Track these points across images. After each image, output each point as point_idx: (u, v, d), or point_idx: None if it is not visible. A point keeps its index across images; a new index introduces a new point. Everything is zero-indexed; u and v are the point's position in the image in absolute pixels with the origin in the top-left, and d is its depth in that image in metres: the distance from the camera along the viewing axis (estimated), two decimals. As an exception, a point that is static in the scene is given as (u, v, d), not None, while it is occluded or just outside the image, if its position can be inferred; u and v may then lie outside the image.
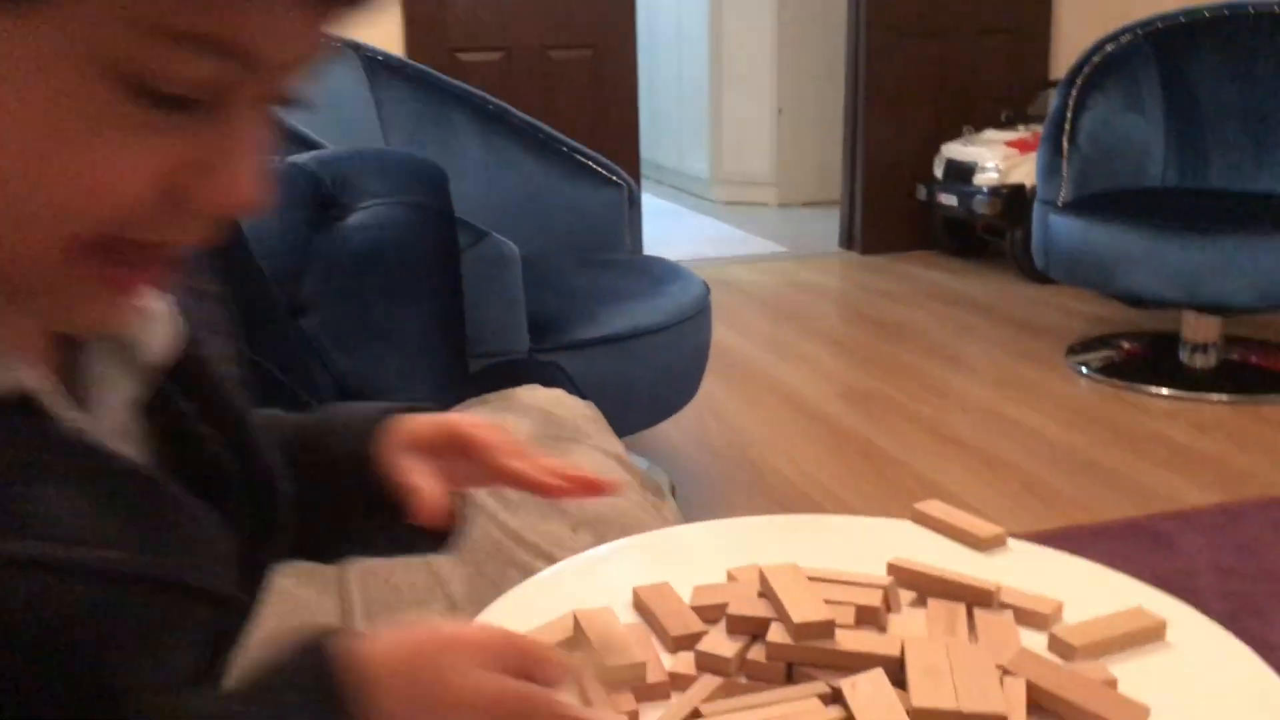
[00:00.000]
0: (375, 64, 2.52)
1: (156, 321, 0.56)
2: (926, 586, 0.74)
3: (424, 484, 0.67)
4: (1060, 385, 3.06)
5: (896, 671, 0.64)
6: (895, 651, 0.65)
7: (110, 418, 0.54)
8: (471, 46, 4.09)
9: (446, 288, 1.69)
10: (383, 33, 3.82)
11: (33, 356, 0.50)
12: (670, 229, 5.28)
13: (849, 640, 0.66)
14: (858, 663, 0.65)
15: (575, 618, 0.74)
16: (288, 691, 0.52)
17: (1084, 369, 3.15)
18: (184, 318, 0.58)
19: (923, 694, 0.60)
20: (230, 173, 0.45)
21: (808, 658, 0.66)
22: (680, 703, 0.66)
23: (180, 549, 0.53)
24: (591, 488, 0.71)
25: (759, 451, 2.65)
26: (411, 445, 0.70)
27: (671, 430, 2.67)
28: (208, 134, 0.44)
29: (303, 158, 1.63)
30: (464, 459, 0.71)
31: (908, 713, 0.60)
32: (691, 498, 2.34)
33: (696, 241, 5.07)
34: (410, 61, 2.61)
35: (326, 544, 0.75)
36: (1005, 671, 0.64)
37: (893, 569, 0.76)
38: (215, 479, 0.58)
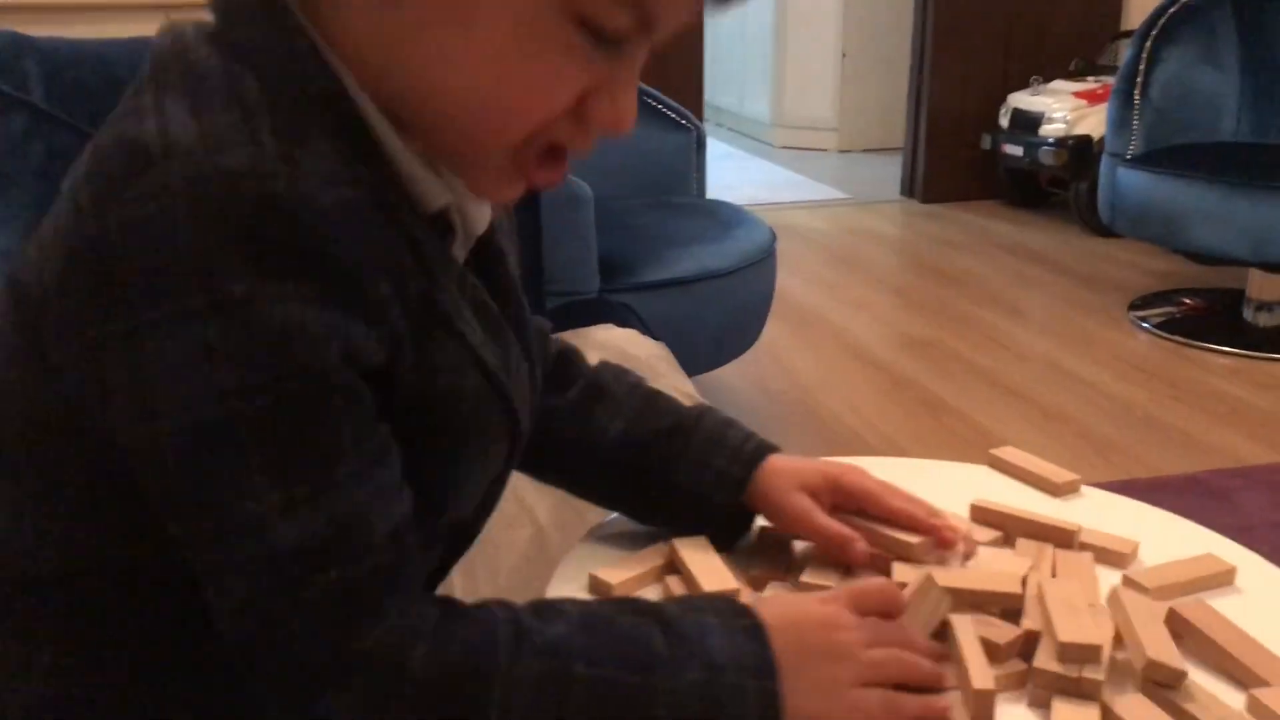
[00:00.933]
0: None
1: (483, 204, 0.66)
2: (1011, 527, 0.78)
3: (835, 527, 0.76)
4: (1121, 340, 3.06)
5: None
6: (1016, 588, 0.69)
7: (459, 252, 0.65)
8: (540, -15, 4.09)
9: (524, 229, 1.73)
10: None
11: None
12: (730, 173, 5.28)
13: (971, 578, 0.70)
14: (984, 600, 0.69)
15: (673, 546, 0.78)
16: (706, 612, 0.62)
17: (1145, 324, 3.14)
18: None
19: (1068, 630, 0.63)
20: (619, 99, 0.58)
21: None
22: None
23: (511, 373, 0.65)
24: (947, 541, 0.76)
25: (818, 397, 2.69)
26: (801, 488, 0.78)
27: (732, 374, 2.71)
28: (613, 67, 0.57)
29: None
30: (847, 502, 0.78)
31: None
32: (752, 440, 2.38)
33: (756, 186, 5.07)
34: None
35: (644, 509, 0.83)
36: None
37: (976, 510, 0.80)
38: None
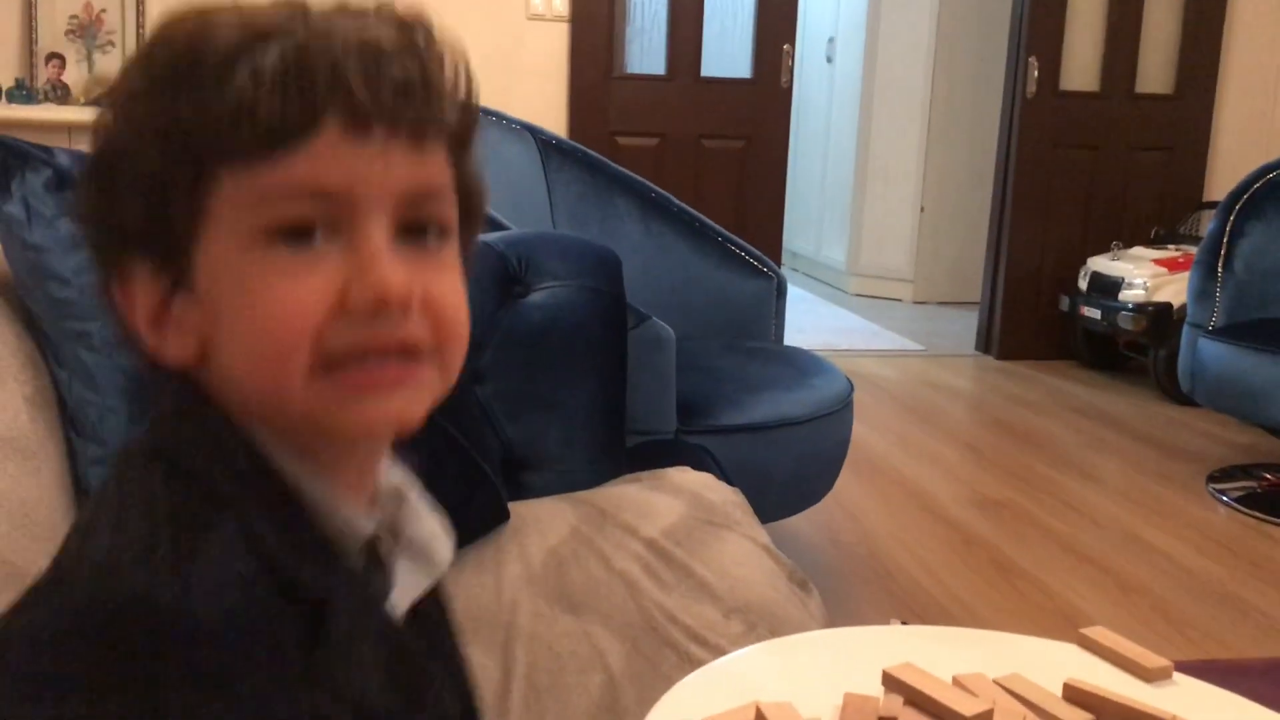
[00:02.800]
0: (549, 147, 2.65)
1: (443, 538, 0.67)
2: (1106, 711, 0.77)
3: None
4: (1199, 512, 3.00)
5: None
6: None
7: (402, 602, 0.65)
8: (630, 131, 4.23)
9: (612, 368, 1.76)
10: (550, 115, 3.98)
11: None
12: (804, 317, 5.32)
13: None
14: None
15: (758, 708, 0.78)
16: None
17: (1224, 498, 3.09)
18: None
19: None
20: (370, 275, 0.57)
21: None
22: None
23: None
24: None
25: (889, 552, 2.66)
26: None
27: (803, 523, 2.70)
28: (342, 256, 0.57)
29: (491, 237, 1.74)
30: None
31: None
32: (820, 594, 2.35)
33: (830, 332, 5.10)
34: (580, 146, 2.72)
35: None
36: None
37: (1069, 690, 0.79)
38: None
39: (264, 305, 0.57)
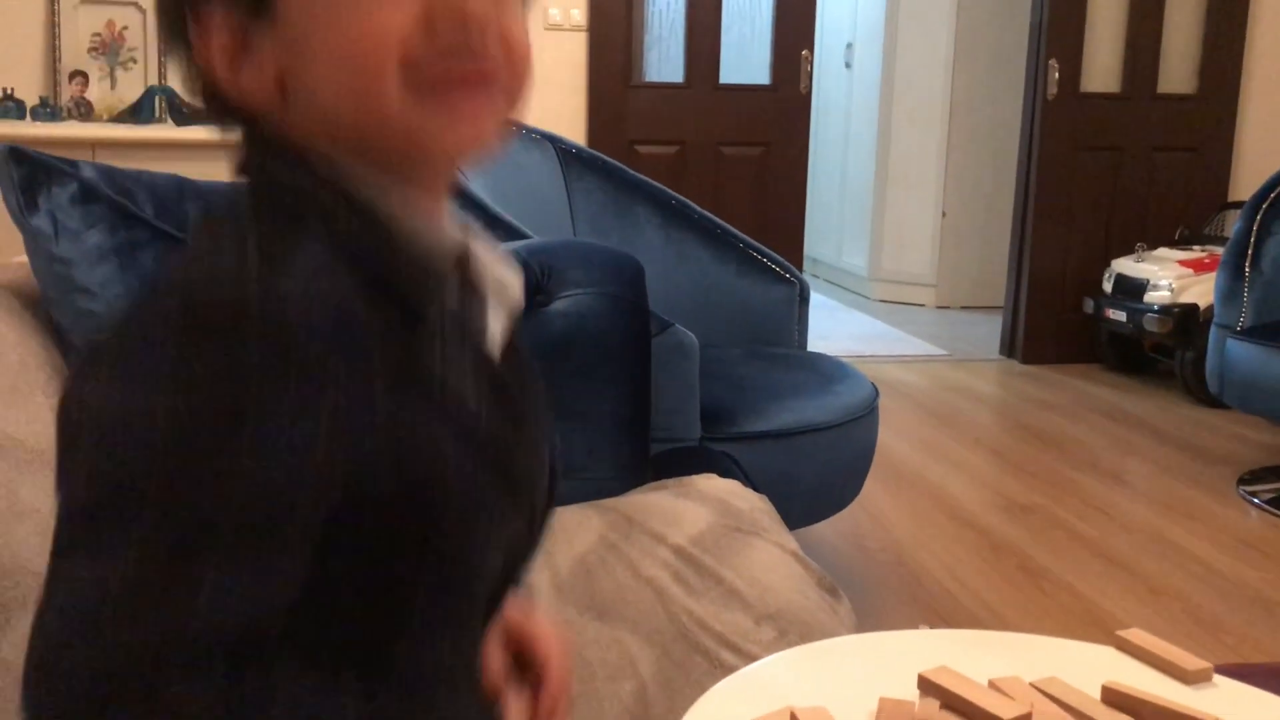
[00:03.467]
0: (569, 155, 2.65)
1: (512, 278, 0.70)
2: (1145, 713, 0.76)
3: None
4: (1230, 515, 2.97)
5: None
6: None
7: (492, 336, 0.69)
8: (649, 140, 4.23)
9: (636, 376, 1.76)
10: (569, 124, 3.99)
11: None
12: (825, 323, 5.31)
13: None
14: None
15: (792, 713, 0.77)
16: None
17: (1255, 500, 3.05)
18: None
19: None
20: (456, 2, 0.60)
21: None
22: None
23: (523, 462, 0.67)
24: None
25: (916, 558, 2.64)
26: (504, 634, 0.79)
27: (830, 530, 2.68)
28: None
29: (514, 246, 1.74)
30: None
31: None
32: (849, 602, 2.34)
33: (852, 338, 5.09)
34: (600, 155, 2.73)
35: None
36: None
37: (1107, 693, 0.78)
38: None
39: (353, 23, 0.58)
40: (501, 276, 0.69)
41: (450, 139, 0.62)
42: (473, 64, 0.61)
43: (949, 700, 0.77)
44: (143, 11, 3.66)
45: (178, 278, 0.57)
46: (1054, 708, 0.78)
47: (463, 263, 0.65)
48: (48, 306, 1.17)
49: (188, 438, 0.52)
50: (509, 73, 0.63)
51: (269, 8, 0.60)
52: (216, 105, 0.63)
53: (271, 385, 0.53)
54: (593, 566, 1.41)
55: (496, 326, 0.68)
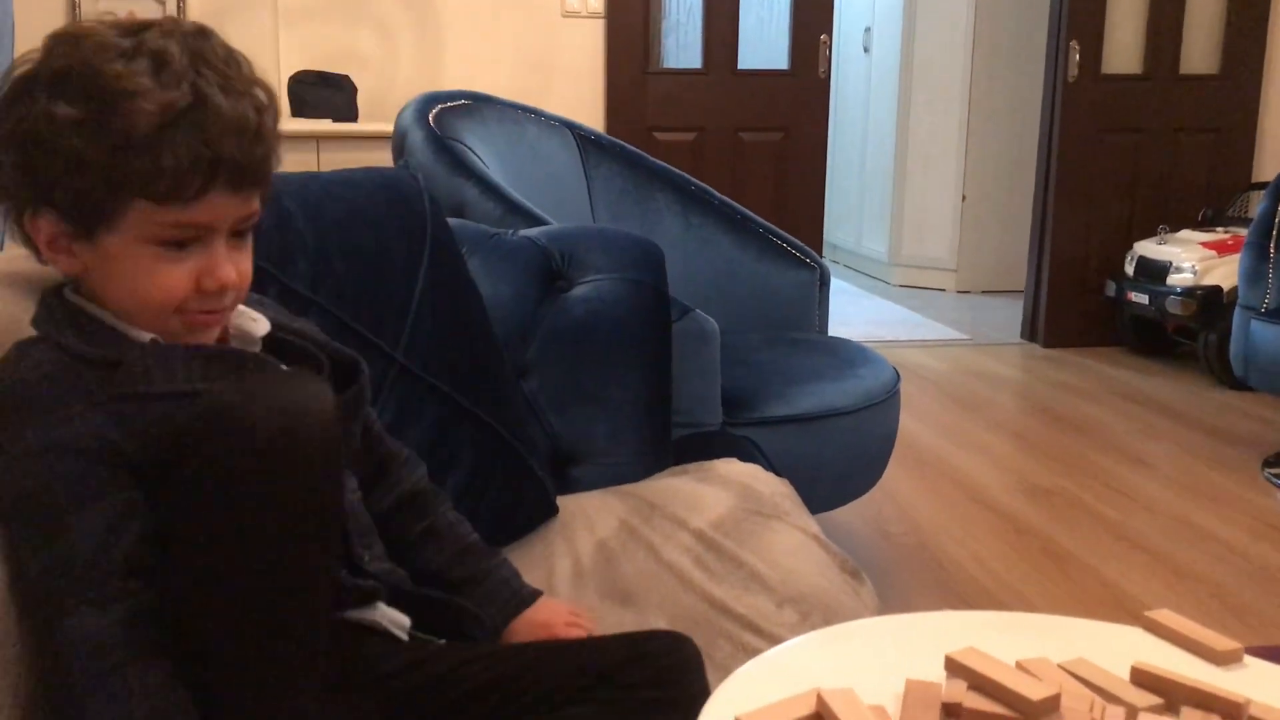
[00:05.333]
0: (588, 143, 2.64)
1: (257, 322, 1.05)
2: (1175, 694, 0.76)
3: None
4: (1255, 498, 2.95)
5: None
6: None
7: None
8: (667, 126, 4.22)
9: (657, 360, 1.75)
10: (587, 112, 3.98)
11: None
12: (846, 309, 5.29)
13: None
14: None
15: (819, 695, 0.77)
16: None
17: (1281, 482, 3.03)
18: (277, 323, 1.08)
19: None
20: (217, 274, 0.94)
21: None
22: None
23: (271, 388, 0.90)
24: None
25: (939, 543, 2.63)
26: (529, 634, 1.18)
27: (851, 515, 2.68)
28: (201, 257, 0.93)
29: (533, 233, 1.73)
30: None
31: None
32: (871, 585, 2.34)
33: (873, 323, 5.07)
34: (619, 141, 2.72)
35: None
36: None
37: (1136, 674, 0.78)
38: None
39: (149, 282, 0.92)
40: (246, 327, 1.03)
41: (189, 338, 0.96)
42: (219, 304, 0.96)
43: (976, 681, 0.77)
44: (162, 3, 3.66)
45: None
46: (1083, 689, 0.77)
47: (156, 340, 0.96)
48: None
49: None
50: (237, 297, 0.97)
51: (96, 242, 0.91)
52: (34, 247, 0.95)
53: (18, 421, 0.87)
54: (614, 552, 1.41)
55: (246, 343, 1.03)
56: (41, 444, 0.86)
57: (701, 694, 0.96)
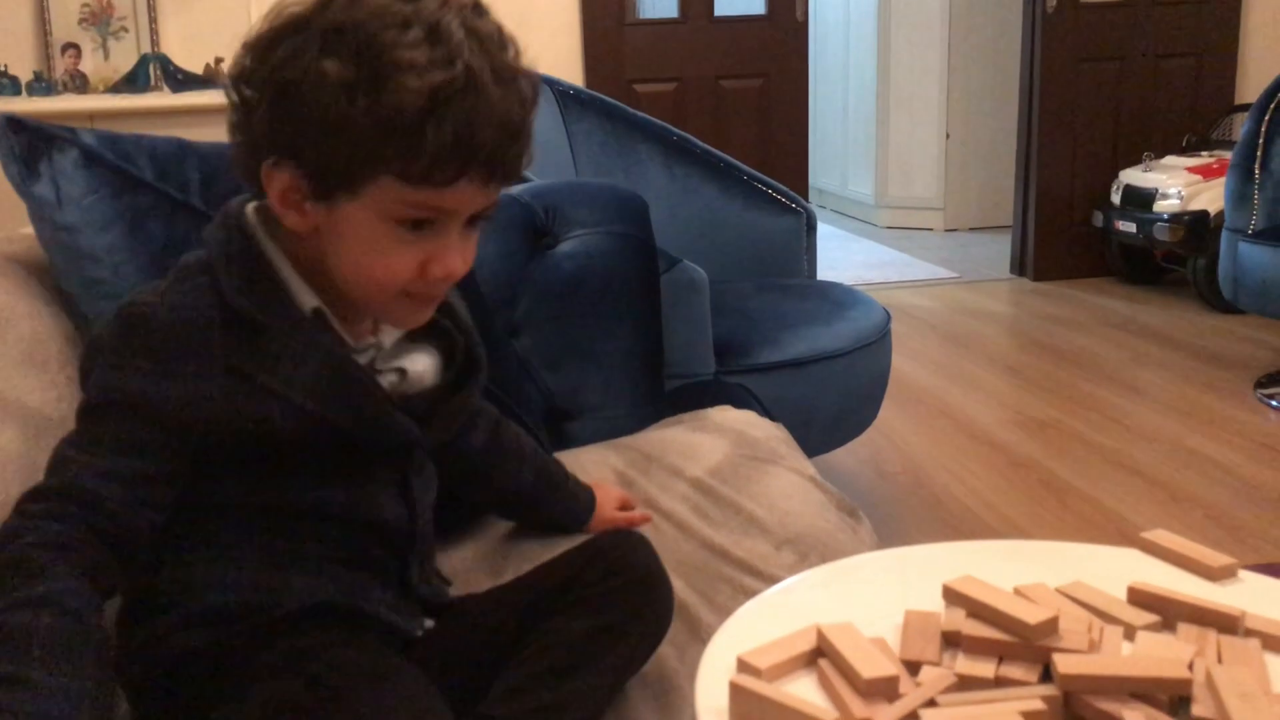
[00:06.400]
0: (567, 97, 2.62)
1: (425, 363, 1.05)
2: (1171, 611, 0.77)
3: (622, 519, 1.35)
4: (1248, 418, 2.97)
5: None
6: (1184, 674, 0.67)
7: (389, 339, 1.02)
8: (647, 78, 4.19)
9: (647, 312, 1.75)
10: (565, 66, 3.95)
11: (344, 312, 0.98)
12: (835, 253, 5.29)
13: (1137, 664, 0.69)
14: (1149, 687, 0.67)
15: (819, 631, 0.78)
16: None
17: (1274, 402, 3.05)
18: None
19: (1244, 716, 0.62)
20: (445, 262, 0.91)
21: (1095, 686, 0.69)
22: (915, 695, 0.70)
23: (357, 415, 0.95)
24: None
25: (935, 479, 2.65)
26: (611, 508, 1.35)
27: (847, 456, 2.69)
28: (435, 243, 0.91)
29: (516, 190, 1.73)
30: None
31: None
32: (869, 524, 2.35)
33: (863, 266, 5.07)
34: (598, 94, 2.70)
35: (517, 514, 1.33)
36: None
37: (1133, 593, 0.79)
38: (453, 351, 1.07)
39: (378, 260, 0.90)
40: (411, 364, 1.02)
41: (397, 322, 0.98)
42: (440, 291, 0.95)
43: (974, 609, 0.78)
44: (129, -23, 3.62)
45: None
46: (1080, 611, 0.78)
47: (320, 319, 0.95)
48: (55, 276, 1.17)
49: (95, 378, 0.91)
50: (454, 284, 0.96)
51: (333, 206, 0.89)
52: (254, 187, 0.93)
53: (133, 348, 0.88)
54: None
55: (418, 367, 1.03)
56: (130, 382, 0.87)
57: (652, 570, 1.06)
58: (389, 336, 1.02)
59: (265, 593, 0.94)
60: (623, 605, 1.02)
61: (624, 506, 1.36)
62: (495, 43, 0.88)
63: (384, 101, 0.83)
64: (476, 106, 0.84)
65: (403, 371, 1.01)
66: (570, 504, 1.30)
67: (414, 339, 1.03)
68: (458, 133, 0.84)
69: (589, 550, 1.07)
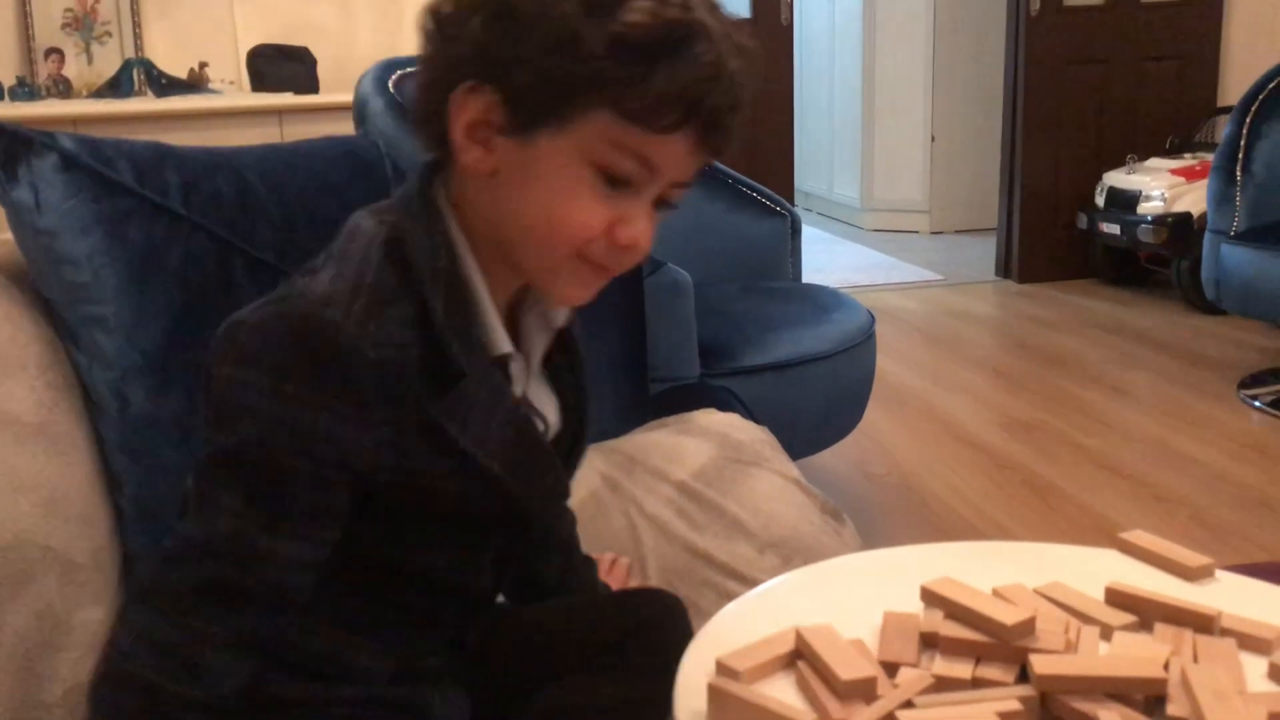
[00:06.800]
0: (552, 100, 2.62)
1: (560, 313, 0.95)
2: (1148, 611, 0.77)
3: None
4: (1232, 419, 2.98)
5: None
6: (1159, 673, 0.68)
7: (535, 353, 0.93)
8: (632, 79, 4.19)
9: (629, 315, 1.76)
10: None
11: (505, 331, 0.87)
12: (821, 256, 5.30)
13: (1113, 664, 0.69)
14: (1125, 687, 0.67)
15: (798, 633, 0.78)
16: None
17: (1256, 403, 3.06)
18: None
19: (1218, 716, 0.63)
20: (635, 226, 0.82)
21: (1071, 686, 0.69)
22: (892, 696, 0.70)
23: (535, 483, 0.89)
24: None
25: (921, 480, 2.66)
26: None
27: (833, 458, 2.69)
28: (628, 204, 0.81)
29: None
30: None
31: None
32: (854, 525, 2.36)
33: (848, 268, 5.08)
34: (583, 97, 2.70)
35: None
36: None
37: (1111, 593, 0.79)
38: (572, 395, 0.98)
39: (570, 205, 0.80)
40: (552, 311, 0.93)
41: (565, 296, 0.87)
42: (616, 266, 0.84)
43: (952, 610, 0.78)
44: (112, -19, 3.61)
45: (301, 299, 0.79)
46: (1057, 611, 0.79)
47: (512, 355, 0.86)
48: (34, 280, 1.17)
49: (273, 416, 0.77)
50: (632, 261, 0.84)
51: (530, 140, 0.80)
52: (430, 130, 0.84)
53: (334, 396, 0.77)
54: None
55: (537, 350, 0.93)
56: (335, 428, 0.77)
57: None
58: (535, 350, 0.93)
59: (329, 663, 0.89)
60: (655, 683, 0.94)
61: (615, 570, 1.30)
62: (730, 18, 0.83)
63: (621, 20, 0.76)
64: (713, 58, 0.78)
65: (544, 421, 0.93)
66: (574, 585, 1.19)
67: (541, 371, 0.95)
68: (689, 76, 0.77)
69: (632, 617, 1.03)
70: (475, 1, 0.80)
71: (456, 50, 0.81)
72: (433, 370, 0.81)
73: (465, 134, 0.81)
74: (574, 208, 0.80)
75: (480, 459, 0.83)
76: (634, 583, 1.29)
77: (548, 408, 0.94)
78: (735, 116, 0.81)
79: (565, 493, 0.97)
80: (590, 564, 1.19)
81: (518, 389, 0.89)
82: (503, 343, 0.85)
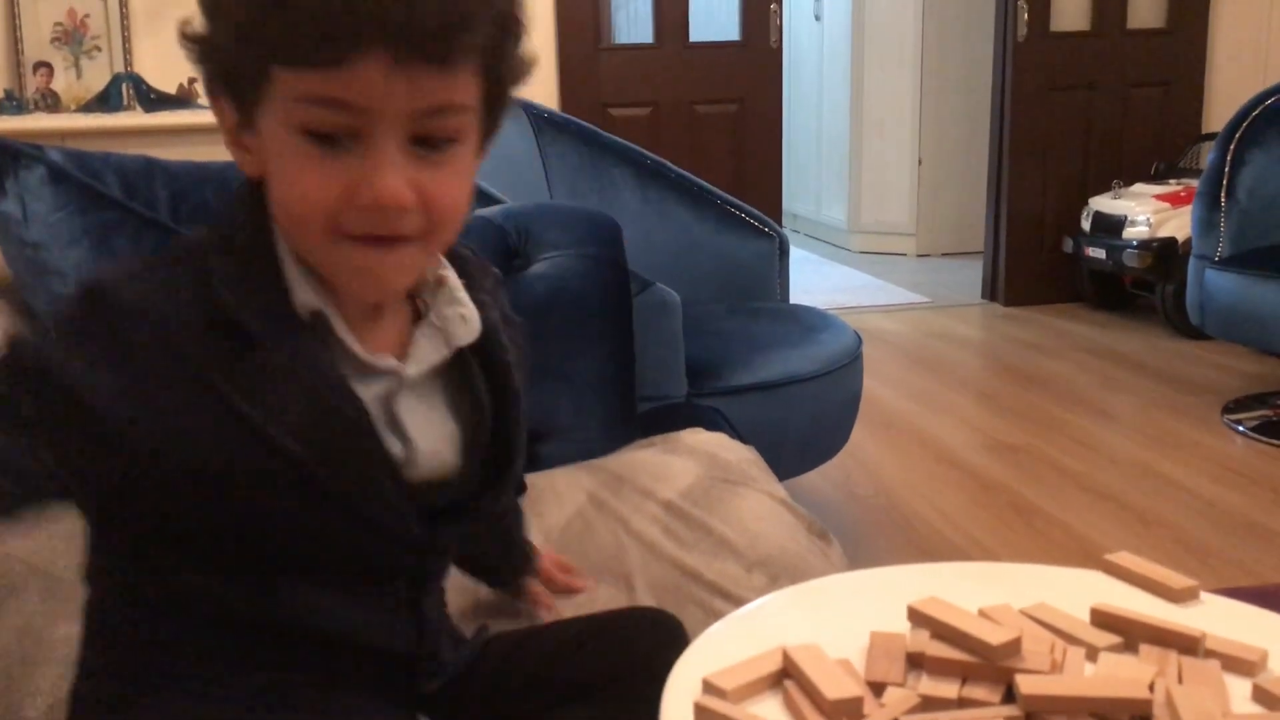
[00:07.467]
0: (542, 120, 2.63)
1: (467, 321, 0.86)
2: (1133, 632, 0.77)
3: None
4: (1216, 444, 3.00)
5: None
6: (1144, 694, 0.68)
7: (415, 367, 0.84)
8: (622, 102, 4.21)
9: (618, 334, 1.76)
10: (540, 90, 3.97)
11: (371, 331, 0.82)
12: (808, 277, 5.31)
13: (1098, 685, 0.69)
14: (1110, 708, 0.67)
15: (785, 652, 0.78)
16: None
17: (1240, 428, 3.08)
18: (493, 328, 0.89)
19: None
20: (377, 182, 0.73)
21: (1057, 706, 0.69)
22: (878, 715, 0.70)
23: (347, 469, 0.79)
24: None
25: (907, 502, 2.66)
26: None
27: (819, 479, 2.69)
28: (360, 160, 0.73)
29: (489, 212, 1.73)
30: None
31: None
32: (841, 546, 2.35)
33: (835, 290, 5.09)
34: (573, 118, 2.71)
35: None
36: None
37: (1096, 614, 0.79)
38: (478, 427, 0.89)
39: (290, 184, 0.74)
40: (458, 316, 0.85)
41: (354, 289, 0.79)
42: (384, 229, 0.75)
43: (939, 630, 0.78)
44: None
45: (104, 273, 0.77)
46: (1043, 632, 0.79)
47: (319, 326, 0.79)
48: (22, 292, 1.17)
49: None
50: (427, 227, 0.76)
51: (258, 129, 0.75)
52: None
53: (102, 347, 0.73)
54: (584, 526, 1.42)
55: (424, 355, 0.84)
56: (71, 359, 0.74)
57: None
58: (417, 365, 0.84)
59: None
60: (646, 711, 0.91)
61: (563, 567, 1.27)
62: None
63: None
64: None
65: (407, 440, 0.83)
66: (514, 564, 1.20)
67: (440, 382, 0.86)
68: None
69: (626, 648, 0.99)
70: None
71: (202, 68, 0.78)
72: (222, 336, 0.75)
73: (231, 145, 0.79)
74: (296, 180, 0.74)
75: (273, 433, 0.75)
76: (622, 601, 1.29)
77: (424, 427, 0.84)
78: (443, 5, 0.70)
79: (404, 500, 0.84)
80: (529, 557, 1.20)
81: (413, 368, 0.83)
82: (305, 298, 0.78)
